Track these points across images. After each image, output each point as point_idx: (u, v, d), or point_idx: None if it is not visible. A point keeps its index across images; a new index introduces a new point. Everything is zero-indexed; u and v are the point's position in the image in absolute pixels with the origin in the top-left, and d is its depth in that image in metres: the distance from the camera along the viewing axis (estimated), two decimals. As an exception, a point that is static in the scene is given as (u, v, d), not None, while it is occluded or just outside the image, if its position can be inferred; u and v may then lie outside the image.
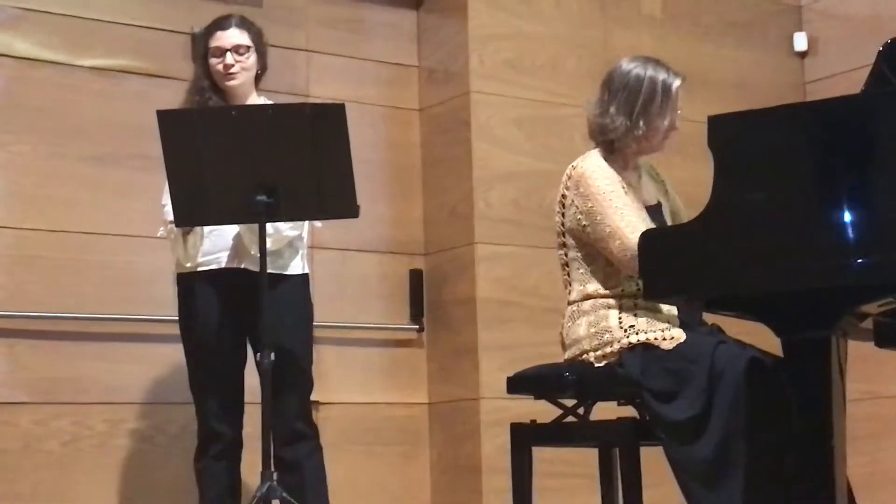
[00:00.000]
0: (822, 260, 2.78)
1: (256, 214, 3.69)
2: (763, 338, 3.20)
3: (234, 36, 4.04)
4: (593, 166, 3.69)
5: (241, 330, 3.99)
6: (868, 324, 3.12)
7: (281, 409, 3.88)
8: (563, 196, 3.75)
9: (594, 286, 3.70)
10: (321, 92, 5.15)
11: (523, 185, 5.29)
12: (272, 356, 3.67)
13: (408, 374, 5.30)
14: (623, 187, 3.69)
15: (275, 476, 3.66)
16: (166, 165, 3.72)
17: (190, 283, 4.01)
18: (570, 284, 3.79)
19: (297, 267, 4.04)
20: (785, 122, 2.95)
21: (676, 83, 3.69)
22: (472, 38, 5.27)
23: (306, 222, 4.07)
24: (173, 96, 4.72)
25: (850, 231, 2.76)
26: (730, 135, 2.95)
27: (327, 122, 3.69)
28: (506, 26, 5.35)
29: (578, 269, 3.75)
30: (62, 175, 4.69)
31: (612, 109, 3.70)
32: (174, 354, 4.70)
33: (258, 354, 3.73)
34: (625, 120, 3.68)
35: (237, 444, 4.03)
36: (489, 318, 5.15)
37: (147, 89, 4.80)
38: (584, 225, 3.67)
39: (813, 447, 2.90)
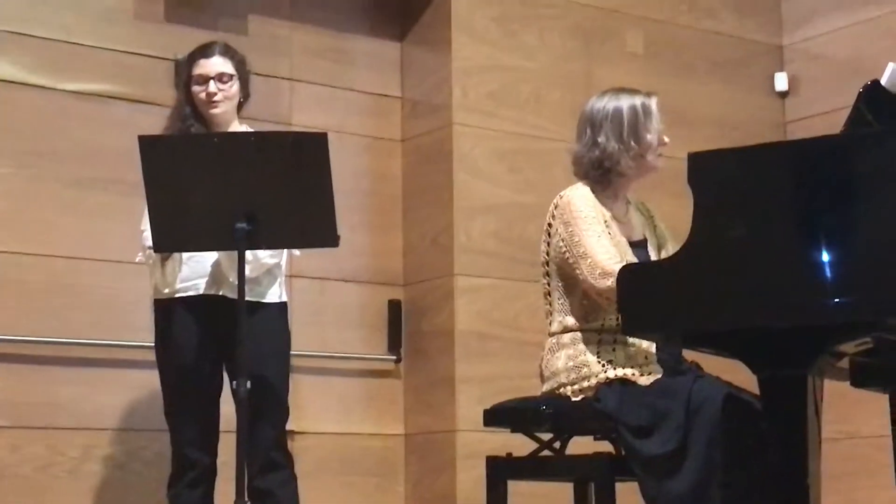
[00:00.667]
0: (799, 299, 2.79)
1: (236, 242, 3.68)
2: (741, 375, 3.21)
3: (217, 64, 4.04)
4: (579, 195, 3.74)
5: (217, 357, 3.98)
6: (844, 363, 3.13)
7: (256, 438, 3.86)
8: (549, 225, 3.79)
9: (574, 319, 3.71)
10: (304, 120, 5.16)
11: (504, 218, 5.30)
12: (248, 384, 3.66)
13: (385, 404, 5.29)
14: (606, 220, 3.72)
15: (248, 504, 3.65)
16: (147, 191, 3.72)
17: (167, 309, 3.99)
18: (552, 315, 3.80)
19: (274, 295, 4.04)
20: (764, 160, 2.96)
21: (653, 101, 3.78)
22: (455, 71, 5.29)
23: (285, 250, 4.07)
24: (156, 122, 4.72)
25: (827, 270, 2.77)
26: (709, 172, 2.96)
27: (309, 150, 3.70)
28: (489, 59, 5.38)
29: (560, 300, 3.76)
30: (43, 198, 4.69)
31: (601, 139, 3.75)
32: (150, 380, 4.68)
33: (234, 382, 3.72)
34: (616, 144, 3.73)
35: (211, 473, 4.01)
36: (467, 350, 5.15)
37: (130, 115, 4.79)
38: (564, 252, 3.69)
39: (789, 486, 2.90)
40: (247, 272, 3.77)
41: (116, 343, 4.70)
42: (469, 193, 5.24)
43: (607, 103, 3.77)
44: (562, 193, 3.79)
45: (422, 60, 5.44)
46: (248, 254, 3.77)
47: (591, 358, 3.63)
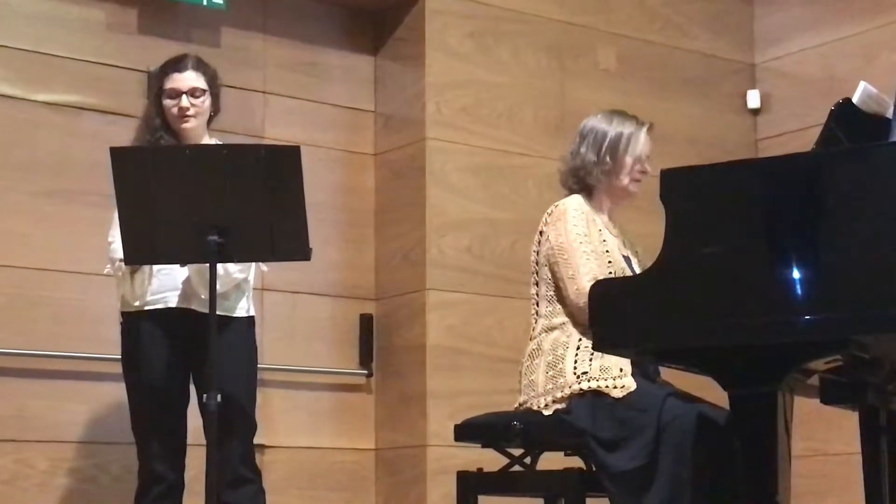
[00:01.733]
0: (770, 316, 2.80)
1: (208, 254, 3.67)
2: (713, 392, 3.22)
3: (190, 79, 4.03)
4: (574, 206, 3.82)
5: (185, 371, 3.96)
6: (814, 380, 3.14)
7: (224, 452, 3.84)
8: (541, 233, 3.86)
9: (558, 323, 3.74)
10: (277, 134, 5.15)
11: (477, 233, 5.30)
12: (218, 398, 3.64)
13: (355, 419, 5.27)
14: (600, 228, 3.81)
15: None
16: (118, 203, 3.70)
17: (136, 322, 3.97)
18: (537, 320, 3.83)
19: (243, 309, 4.02)
20: (736, 177, 2.97)
21: (643, 129, 3.91)
22: (429, 86, 5.29)
23: (253, 264, 4.05)
24: (129, 134, 4.69)
25: (797, 288, 2.78)
26: (682, 189, 2.97)
27: (282, 164, 3.69)
28: (463, 75, 5.38)
29: (547, 306, 3.81)
30: (13, 209, 4.66)
31: (582, 151, 3.90)
32: (118, 393, 4.65)
33: (204, 396, 3.69)
34: (593, 156, 3.86)
35: (179, 487, 3.98)
36: (439, 365, 5.14)
37: (102, 126, 4.78)
38: (553, 261, 3.76)
39: (758, 502, 2.90)
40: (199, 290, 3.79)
41: (85, 356, 4.68)
42: (441, 208, 5.24)
43: (598, 122, 3.93)
44: (557, 203, 3.87)
45: (395, 75, 5.44)
46: (219, 268, 3.76)
47: (569, 367, 3.65)
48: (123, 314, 4.02)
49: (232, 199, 3.67)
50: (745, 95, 6.18)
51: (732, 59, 6.17)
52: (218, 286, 3.75)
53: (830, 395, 3.16)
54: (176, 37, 5.03)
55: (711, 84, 6.08)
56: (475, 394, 5.01)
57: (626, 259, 3.86)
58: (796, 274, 2.78)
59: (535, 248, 3.89)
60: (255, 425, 4.05)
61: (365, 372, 5.31)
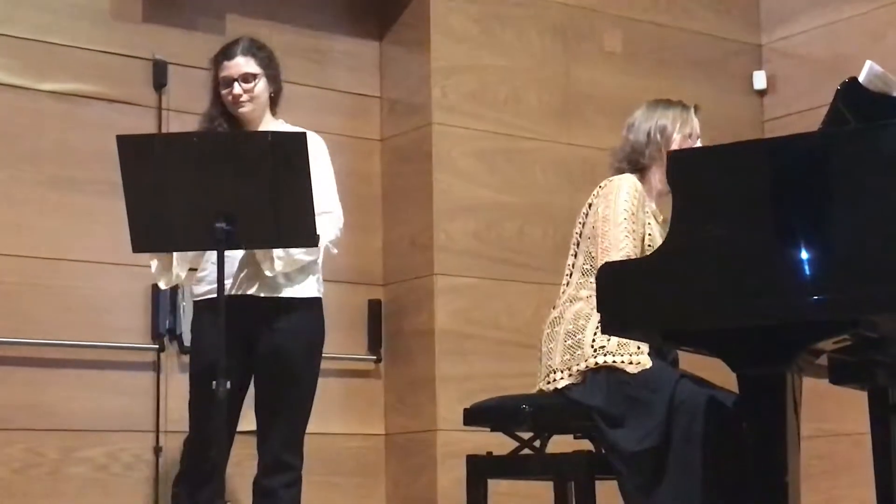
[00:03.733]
0: (778, 297, 2.79)
1: (216, 242, 3.67)
2: (721, 373, 3.22)
3: (240, 65, 4.02)
4: (630, 183, 3.81)
5: (241, 357, 3.92)
6: (823, 361, 3.14)
7: (269, 436, 3.89)
8: (590, 205, 3.86)
9: (584, 295, 3.74)
10: (283, 120, 5.15)
11: (484, 218, 5.30)
12: (227, 385, 3.63)
13: (365, 405, 5.28)
14: (649, 212, 3.81)
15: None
16: (125, 191, 3.69)
17: (198, 312, 3.99)
18: (564, 290, 3.83)
19: (307, 290, 3.98)
20: (743, 158, 2.96)
21: (691, 109, 3.94)
22: (434, 71, 5.29)
23: (322, 247, 4.02)
24: (135, 122, 4.72)
25: (806, 268, 2.77)
26: (689, 170, 2.96)
27: (288, 150, 3.68)
28: (468, 59, 5.37)
29: (580, 277, 3.82)
30: (21, 199, 4.67)
31: (632, 136, 3.92)
32: (129, 381, 4.68)
33: (213, 383, 3.64)
34: (644, 138, 3.88)
35: (221, 472, 3.95)
36: (447, 350, 5.15)
37: (108, 115, 4.78)
38: (596, 233, 3.76)
39: (767, 483, 2.90)
40: (279, 268, 3.82)
41: (94, 344, 4.68)
42: (448, 193, 5.24)
43: (643, 111, 3.95)
44: (612, 178, 3.87)
45: (401, 60, 5.44)
46: (281, 250, 3.80)
47: (587, 339, 3.66)
48: (194, 301, 4.03)
49: (239, 186, 3.66)
50: (751, 76, 6.16)
51: (738, 39, 6.15)
52: (279, 268, 3.81)
53: (839, 375, 3.16)
54: (181, 24, 5.03)
55: (717, 65, 6.06)
56: (484, 378, 5.02)
57: None
58: (804, 254, 2.78)
59: (580, 219, 3.88)
60: (308, 411, 4.01)
61: (374, 357, 5.32)
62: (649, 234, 3.78)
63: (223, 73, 4.02)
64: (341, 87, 5.40)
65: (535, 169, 5.42)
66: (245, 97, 4.01)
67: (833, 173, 2.84)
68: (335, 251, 4.11)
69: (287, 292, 3.93)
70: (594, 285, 3.70)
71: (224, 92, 4.02)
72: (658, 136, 3.86)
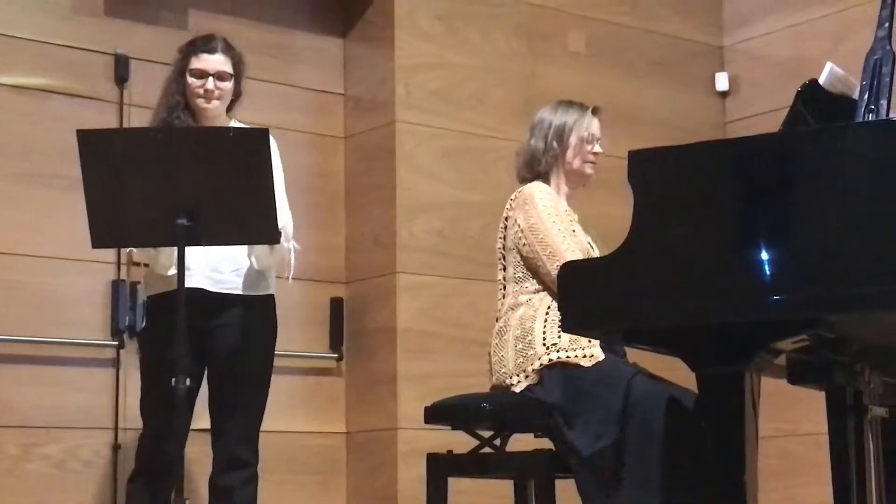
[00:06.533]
0: (738, 296, 2.81)
1: (177, 238, 3.65)
2: (680, 373, 3.23)
3: (219, 62, 4.01)
4: (540, 189, 3.86)
5: (196, 353, 3.91)
6: (782, 360, 3.15)
7: (224, 432, 3.89)
8: (507, 218, 3.89)
9: (523, 300, 3.77)
10: (245, 116, 5.12)
11: (447, 216, 5.30)
12: (187, 382, 3.61)
13: (326, 402, 5.27)
14: (565, 211, 3.86)
15: (186, 502, 3.60)
16: (85, 186, 3.67)
17: (154, 305, 3.97)
18: (502, 302, 3.85)
19: (262, 288, 4.01)
20: (704, 158, 2.97)
21: (588, 111, 3.99)
22: (398, 68, 5.28)
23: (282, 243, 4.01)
24: (96, 116, 4.69)
25: (765, 268, 2.79)
26: (649, 170, 2.97)
27: (250, 146, 3.67)
28: (433, 57, 5.37)
29: (514, 287, 3.84)
30: (-21, 193, 4.63)
31: (532, 142, 3.97)
32: (89, 378, 4.65)
33: (173, 380, 3.63)
34: (542, 144, 3.93)
35: (177, 471, 3.94)
36: (409, 348, 5.14)
37: (69, 109, 4.75)
38: (523, 243, 3.78)
39: (725, 482, 2.91)
40: (257, 264, 3.88)
41: (53, 340, 4.65)
42: (412, 191, 5.24)
43: (544, 113, 4.01)
44: (520, 189, 3.91)
45: (365, 57, 5.43)
46: (266, 247, 3.84)
47: (538, 338, 3.69)
48: (148, 297, 4.01)
49: (200, 182, 3.65)
50: (713, 78, 6.19)
51: (701, 41, 6.18)
52: (257, 263, 3.87)
53: (798, 374, 3.17)
54: (143, 19, 5.01)
55: (680, 66, 6.09)
56: (446, 376, 5.02)
57: (588, 243, 3.89)
58: (764, 254, 2.79)
59: (500, 234, 3.92)
60: (263, 407, 4.02)
61: (335, 355, 5.31)
62: (573, 231, 3.84)
63: (198, 65, 4.00)
64: (305, 83, 5.39)
65: (499, 168, 5.42)
66: (216, 94, 4.00)
67: (793, 174, 2.86)
68: (298, 247, 4.12)
69: (240, 289, 3.92)
70: (530, 289, 3.78)
71: (195, 83, 3.99)
72: (555, 143, 3.93)
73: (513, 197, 3.89)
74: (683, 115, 5.99)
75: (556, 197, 3.88)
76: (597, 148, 3.96)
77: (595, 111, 4.00)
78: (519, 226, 3.80)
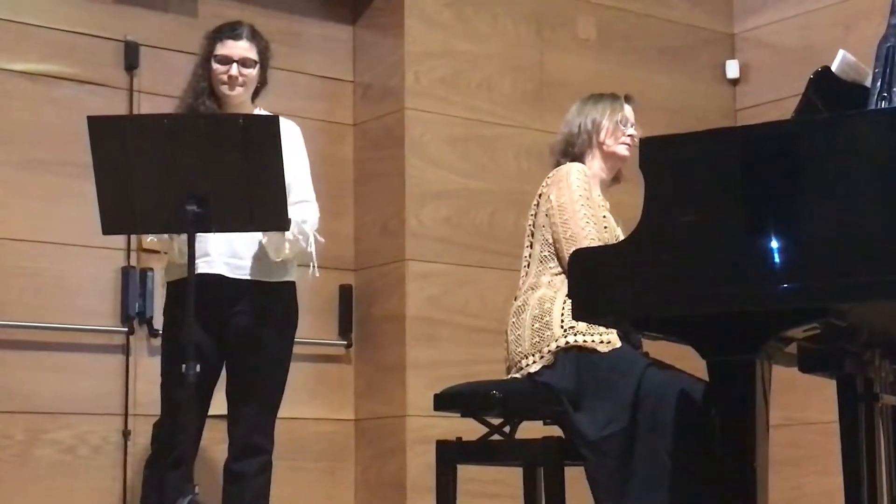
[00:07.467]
0: (748, 284, 2.80)
1: (186, 225, 3.65)
2: (691, 361, 3.23)
3: (244, 48, 4.02)
4: (578, 169, 3.87)
5: (213, 338, 3.92)
6: (792, 349, 3.15)
7: (240, 419, 3.88)
8: (540, 195, 3.89)
9: (544, 281, 3.76)
10: (261, 108, 5.13)
11: (455, 204, 5.30)
12: (197, 368, 3.62)
13: (335, 390, 5.28)
14: (598, 195, 3.88)
15: (196, 489, 3.60)
16: (95, 172, 3.68)
17: (170, 294, 3.98)
18: (524, 280, 3.85)
19: (282, 274, 4.02)
20: (715, 146, 2.97)
21: (621, 99, 4.02)
22: (408, 55, 5.27)
23: (311, 235, 4.02)
24: (105, 103, 4.69)
25: (776, 256, 2.78)
26: (661, 157, 2.96)
27: (260, 133, 3.67)
28: (442, 44, 5.36)
29: (538, 266, 3.84)
30: (-11, 180, 4.64)
31: (565, 129, 4.00)
32: (98, 364, 4.66)
33: (183, 366, 3.64)
34: (575, 129, 3.97)
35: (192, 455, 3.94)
36: (418, 336, 5.14)
37: (79, 95, 4.75)
38: (553, 221, 3.79)
39: (736, 471, 2.91)
40: (287, 252, 3.88)
41: (63, 326, 4.66)
42: (420, 179, 5.23)
43: (576, 106, 4.03)
44: (559, 167, 3.92)
45: (374, 45, 5.42)
46: (290, 234, 3.83)
47: (556, 320, 3.68)
48: (168, 283, 4.02)
49: (210, 169, 3.65)
50: (723, 65, 6.18)
51: (711, 28, 6.16)
52: (288, 250, 3.87)
53: (808, 363, 3.17)
54: (152, 6, 5.00)
55: (690, 54, 6.08)
56: (454, 364, 5.02)
57: (616, 237, 3.88)
58: (775, 242, 2.79)
59: (532, 210, 3.91)
60: (280, 394, 4.03)
61: (344, 343, 5.31)
62: (604, 217, 3.85)
63: (223, 51, 4.00)
64: (314, 70, 5.38)
65: (508, 155, 5.42)
66: (240, 80, 4.00)
67: (804, 162, 2.85)
68: (322, 240, 4.11)
69: (259, 276, 3.93)
70: (553, 270, 3.78)
71: (220, 69, 4.00)
72: (589, 125, 3.95)
73: (550, 174, 3.90)
74: (694, 103, 5.98)
75: (589, 179, 3.87)
76: (630, 130, 3.97)
77: (628, 99, 4.03)
78: (551, 202, 3.81)
